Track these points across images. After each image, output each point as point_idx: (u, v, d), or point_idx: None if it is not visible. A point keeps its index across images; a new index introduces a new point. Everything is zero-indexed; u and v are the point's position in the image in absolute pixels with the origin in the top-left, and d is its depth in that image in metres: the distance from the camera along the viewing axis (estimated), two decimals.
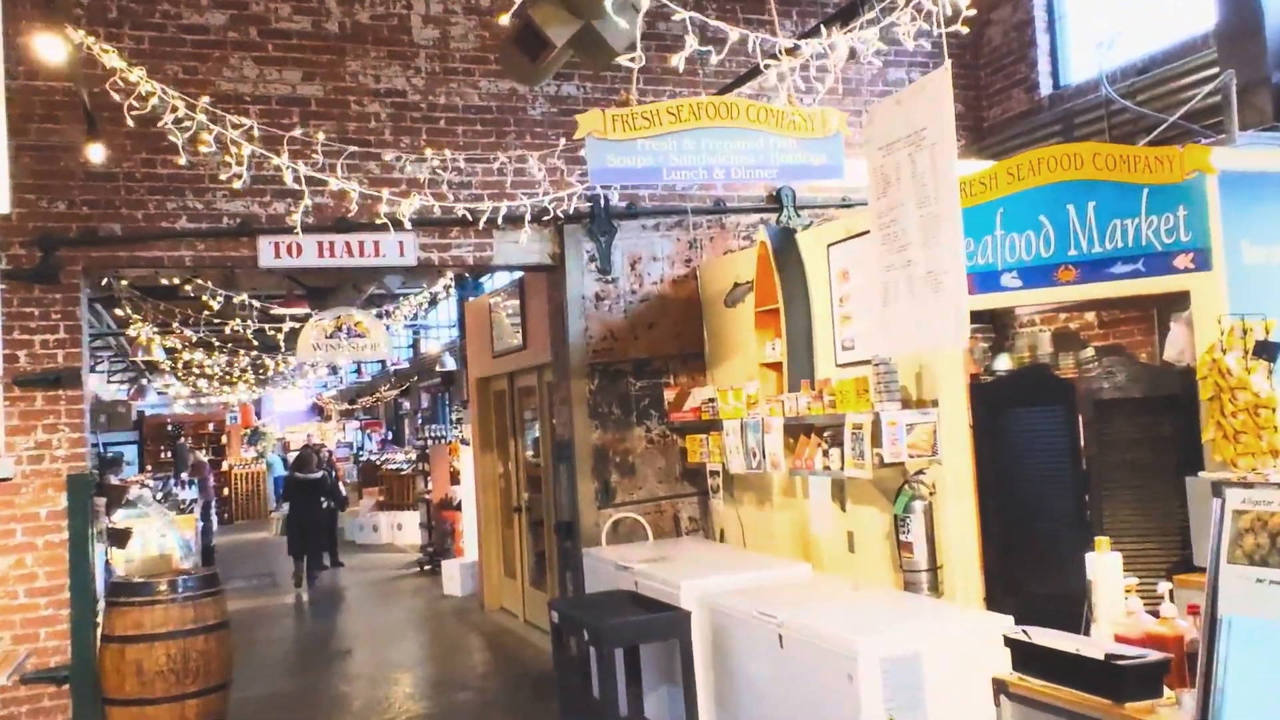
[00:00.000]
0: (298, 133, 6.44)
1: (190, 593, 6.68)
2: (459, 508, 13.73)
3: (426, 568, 14.25)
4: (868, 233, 5.81)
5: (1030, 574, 5.04)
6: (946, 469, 5.26)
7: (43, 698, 6.42)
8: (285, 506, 15.21)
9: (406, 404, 31.83)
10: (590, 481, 7.70)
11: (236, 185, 5.55)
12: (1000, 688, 3.36)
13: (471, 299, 12.33)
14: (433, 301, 18.60)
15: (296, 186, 6.85)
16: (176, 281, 8.19)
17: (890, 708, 4.17)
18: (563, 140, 7.77)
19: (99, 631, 6.62)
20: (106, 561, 9.01)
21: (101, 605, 6.73)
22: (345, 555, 16.38)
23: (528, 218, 6.15)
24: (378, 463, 20.66)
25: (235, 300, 9.57)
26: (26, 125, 6.57)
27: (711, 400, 7.23)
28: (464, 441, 15.06)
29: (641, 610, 5.64)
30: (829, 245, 6.29)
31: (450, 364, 24.14)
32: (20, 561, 6.42)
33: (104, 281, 10.83)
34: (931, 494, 5.33)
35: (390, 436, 31.45)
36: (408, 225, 5.90)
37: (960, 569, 5.18)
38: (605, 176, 4.62)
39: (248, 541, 20.05)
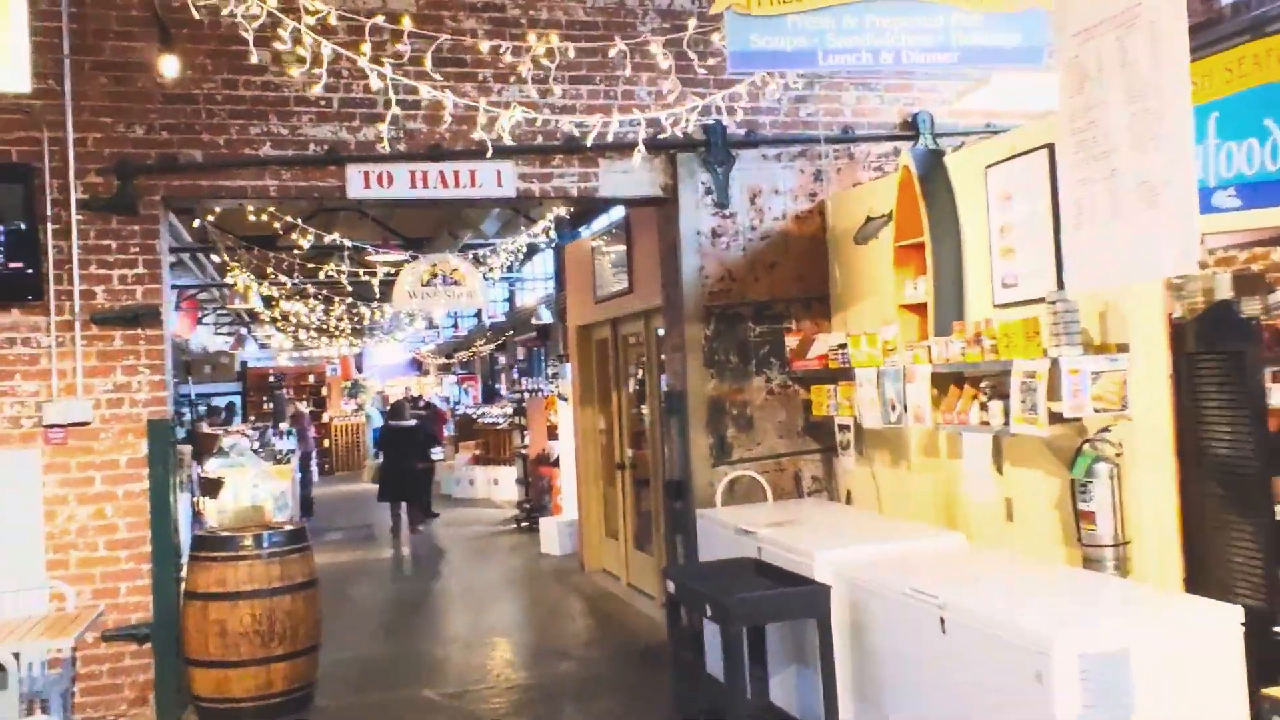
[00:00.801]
0: (389, 50, 5.83)
1: (277, 549, 6.23)
2: (557, 463, 13.21)
3: (523, 524, 13.81)
4: (1040, 149, 4.96)
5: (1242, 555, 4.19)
6: (1137, 426, 4.41)
7: (124, 656, 6.06)
8: (380, 455, 15.13)
9: (502, 358, 31.65)
10: (704, 436, 7.02)
11: (316, 89, 4.93)
12: (1273, 707, 2.57)
13: (583, 232, 11.71)
14: (529, 253, 18.10)
15: (383, 111, 6.29)
16: (265, 217, 7.71)
17: (1088, 714, 3.41)
18: (674, 59, 7.02)
19: (182, 588, 6.22)
20: (197, 512, 8.71)
21: (186, 560, 6.33)
22: (441, 509, 16.08)
23: (641, 140, 5.43)
24: (474, 417, 20.34)
25: (328, 239, 9.07)
26: (101, 42, 6.09)
27: (841, 347, 6.46)
28: (561, 396, 14.56)
29: (769, 582, 4.94)
30: (987, 168, 5.43)
31: (546, 317, 23.73)
32: (100, 512, 6.04)
33: (195, 223, 10.50)
34: (1118, 455, 4.50)
35: (485, 391, 31.35)
36: (507, 139, 5.25)
37: (1154, 546, 4.34)
38: (747, 61, 3.86)
39: (346, 493, 19.98)
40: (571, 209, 11.31)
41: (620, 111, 6.73)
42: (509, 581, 10.43)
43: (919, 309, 5.93)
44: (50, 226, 5.98)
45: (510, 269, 18.01)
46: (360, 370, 34.15)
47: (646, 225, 8.21)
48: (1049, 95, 4.17)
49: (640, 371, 9.16)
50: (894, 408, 5.76)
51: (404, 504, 14.11)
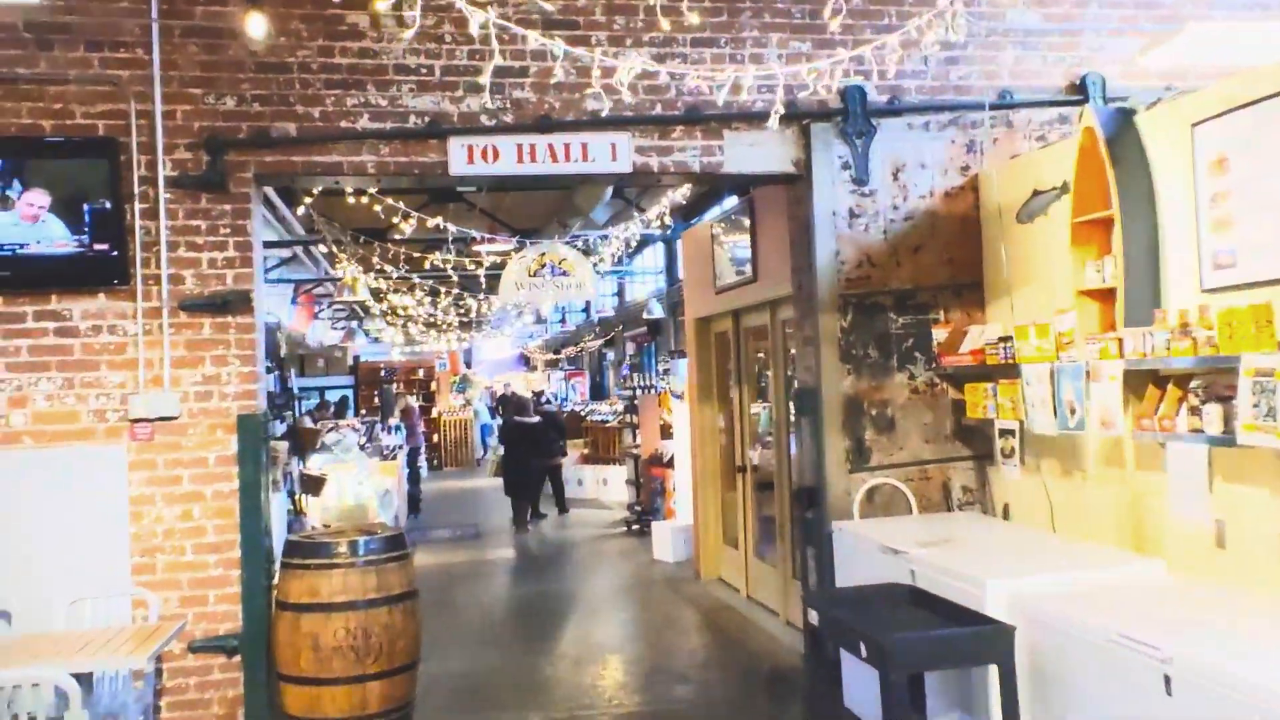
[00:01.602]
0: (494, 11, 5.24)
1: (373, 556, 5.71)
2: (670, 464, 12.56)
3: (634, 527, 13.21)
4: (1274, 98, 4.08)
5: None
6: None
7: (212, 669, 5.63)
8: (501, 450, 15.44)
9: (610, 354, 31.21)
10: (840, 439, 6.27)
11: (405, 35, 4.36)
12: None
13: (696, 223, 11.03)
14: (640, 245, 17.46)
15: (487, 79, 5.73)
16: (365, 200, 7.25)
17: None
18: (808, 17, 6.30)
19: (273, 596, 5.76)
20: (299, 510, 8.33)
21: (278, 566, 5.88)
22: (550, 508, 15.61)
23: (776, 107, 4.73)
24: (582, 414, 19.86)
25: (431, 223, 8.59)
26: (191, 6, 5.66)
27: (1003, 340, 5.64)
28: (675, 394, 13.91)
29: (931, 616, 4.19)
30: (1194, 125, 4.56)
31: (657, 311, 23.13)
32: (187, 513, 5.62)
33: (300, 210, 10.18)
34: None
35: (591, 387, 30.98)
36: (626, 95, 4.59)
37: None
38: None
39: (455, 489, 19.74)
40: (687, 196, 10.65)
41: (748, 77, 6.03)
42: (620, 589, 9.83)
43: (1103, 295, 5.08)
44: (137, 205, 5.58)
45: (619, 262, 17.47)
46: (469, 366, 34.18)
47: (773, 207, 7.49)
48: (1269, 44, 3.32)
49: (766, 366, 8.43)
50: (1072, 410, 4.93)
51: (527, 498, 14.26)
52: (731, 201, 15.28)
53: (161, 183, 5.59)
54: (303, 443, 8.79)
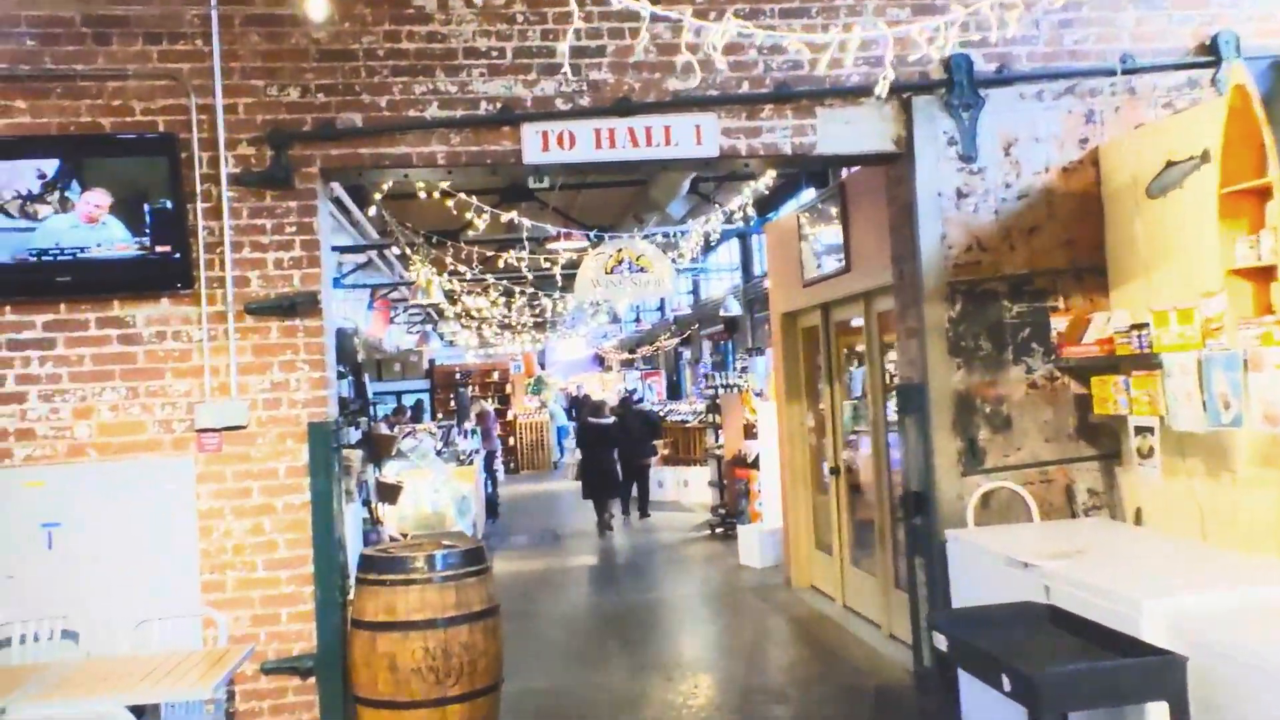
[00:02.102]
0: None
1: (452, 571, 5.36)
2: (755, 465, 12.08)
3: (718, 530, 12.76)
4: None
5: None
6: None
7: (286, 691, 5.34)
8: (579, 453, 15.22)
9: (686, 353, 30.78)
10: (950, 439, 5.76)
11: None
12: None
13: (773, 218, 10.56)
14: (713, 243, 16.95)
15: (562, 60, 5.35)
16: (436, 195, 6.94)
17: None
18: None
19: (348, 614, 5.46)
20: (376, 519, 8.06)
21: (353, 581, 5.57)
22: (632, 510, 15.25)
23: (887, 72, 4.23)
24: (661, 414, 19.44)
25: (505, 218, 8.24)
26: None
27: (1137, 327, 5.08)
28: (757, 392, 13.42)
29: (1076, 640, 3.68)
30: None
31: (734, 308, 22.66)
32: (258, 527, 5.34)
33: (371, 211, 9.94)
34: None
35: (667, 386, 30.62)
36: (719, 60, 4.17)
37: None
38: None
39: (533, 493, 19.49)
40: (770, 185, 10.18)
41: (842, 49, 5.55)
42: (707, 598, 9.40)
43: (1257, 275, 4.51)
44: (200, 205, 5.32)
45: (694, 259, 17.03)
46: (543, 367, 34.04)
47: (868, 191, 6.99)
48: None
49: (860, 361, 7.93)
50: (1226, 405, 4.36)
51: (608, 500, 14.04)
52: (808, 195, 14.79)
53: (224, 180, 5.32)
54: (378, 450, 8.54)
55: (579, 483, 14.94)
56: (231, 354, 5.33)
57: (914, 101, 5.80)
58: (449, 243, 10.93)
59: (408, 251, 12.65)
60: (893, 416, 7.18)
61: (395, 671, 5.20)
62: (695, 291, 28.71)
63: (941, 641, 3.89)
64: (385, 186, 6.48)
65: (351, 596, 5.53)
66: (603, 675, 6.92)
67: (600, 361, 38.88)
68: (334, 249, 15.30)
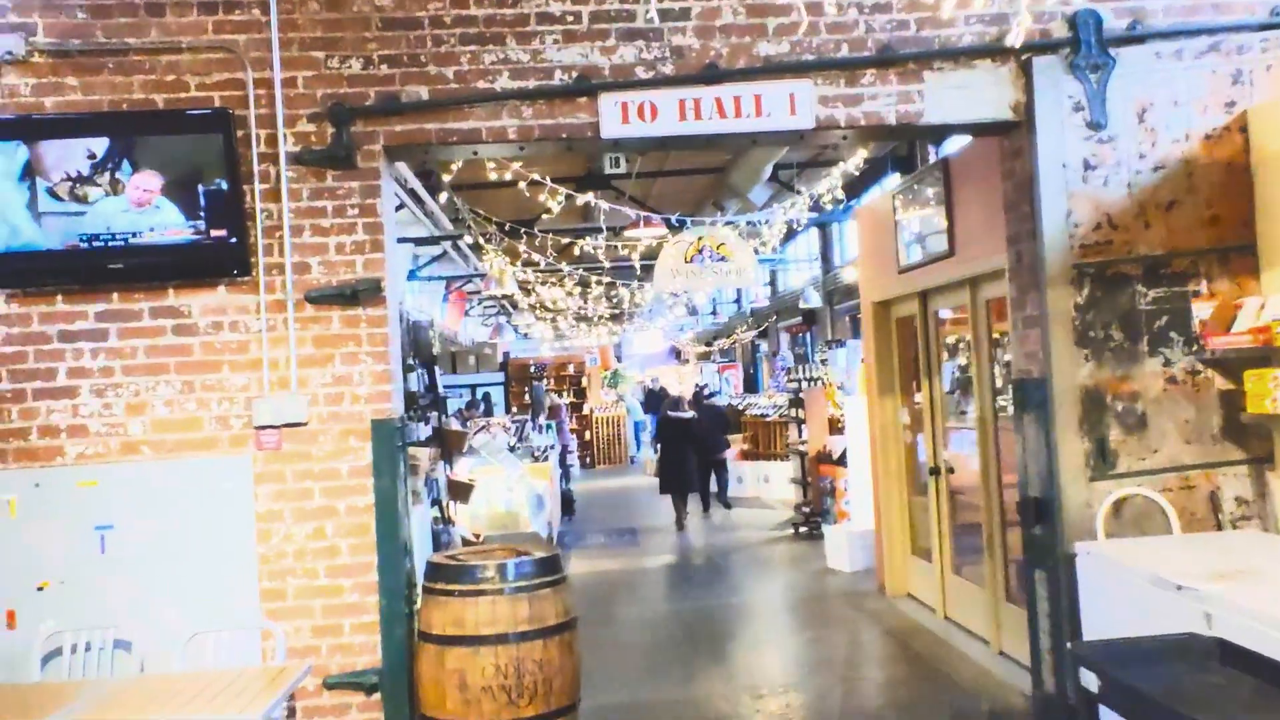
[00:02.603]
0: None
1: (524, 581, 4.94)
2: (840, 462, 11.50)
3: (801, 530, 12.20)
4: None
5: None
6: None
7: (350, 708, 4.97)
8: (657, 447, 14.94)
9: (764, 345, 30.13)
10: (1077, 440, 5.16)
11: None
12: None
13: (856, 205, 9.96)
14: (791, 232, 16.30)
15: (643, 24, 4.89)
16: (509, 176, 6.52)
17: None
18: None
19: (415, 625, 5.07)
20: (447, 520, 7.71)
21: (420, 590, 5.19)
22: (715, 506, 14.80)
23: (1022, 17, 3.66)
24: (740, 407, 18.90)
25: (580, 201, 7.79)
26: None
27: None
28: (841, 387, 12.82)
29: (1263, 683, 3.09)
30: None
31: (814, 300, 21.98)
32: (319, 531, 4.98)
33: (442, 198, 9.60)
34: None
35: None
36: (817, 20, 3.63)
37: None
38: None
39: (609, 489, 19.11)
40: (859, 166, 9.59)
41: (955, 5, 4.99)
42: (794, 604, 8.88)
43: None
44: (258, 186, 4.96)
45: (773, 249, 16.43)
46: (619, 360, 33.68)
47: (975, 168, 6.40)
48: None
49: (965, 353, 7.33)
50: None
51: (687, 496, 13.75)
52: (891, 181, 14.08)
53: (283, 159, 4.96)
54: (449, 446, 8.19)
55: (656, 478, 14.61)
56: (291, 346, 4.98)
57: (1034, 63, 5.20)
58: (523, 230, 10.54)
59: (481, 241, 12.31)
60: (1004, 412, 6.58)
61: (465, 690, 4.80)
62: (773, 283, 28.04)
63: (1091, 680, 3.33)
64: (455, 167, 6.06)
65: (418, 606, 5.15)
66: (686, 690, 6.45)
67: (676, 354, 38.41)
68: (408, 240, 15.11)
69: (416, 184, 11.86)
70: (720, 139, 5.45)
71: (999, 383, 6.69)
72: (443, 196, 9.29)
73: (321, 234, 5.02)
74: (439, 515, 7.76)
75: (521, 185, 6.87)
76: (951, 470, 7.58)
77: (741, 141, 5.81)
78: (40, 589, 4.85)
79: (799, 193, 13.17)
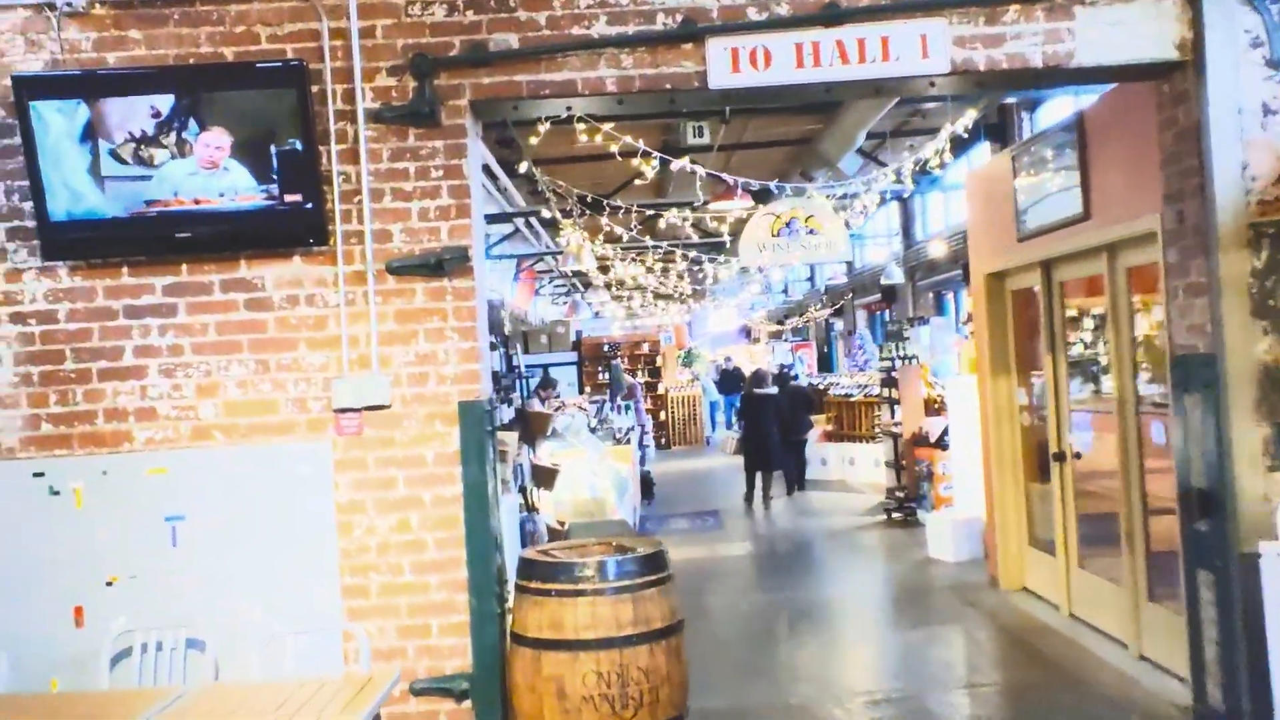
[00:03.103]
0: None
1: (627, 580, 4.48)
2: (939, 445, 10.88)
3: (894, 515, 11.59)
4: None
5: None
6: None
7: (438, 715, 4.58)
8: (740, 426, 14.83)
9: (839, 324, 29.33)
10: (1253, 424, 4.54)
11: None
12: None
13: (976, 167, 9.25)
14: (887, 197, 15.56)
15: None
16: (600, 138, 6.02)
17: None
18: None
19: (507, 626, 4.64)
20: (531, 508, 7.29)
21: (512, 587, 4.76)
22: (781, 486, 14.29)
23: None
24: (821, 386, 18.24)
25: (674, 168, 7.24)
26: None
27: None
28: (934, 374, 12.15)
29: None
30: None
31: (896, 276, 21.17)
32: (404, 523, 4.57)
33: (522, 168, 9.13)
34: None
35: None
36: None
37: None
38: None
39: (687, 470, 18.62)
40: (968, 129, 8.87)
41: None
42: (898, 597, 8.32)
43: None
44: (334, 146, 4.54)
45: (863, 218, 15.70)
46: (692, 338, 33.10)
47: (1117, 120, 5.75)
48: None
49: (1092, 328, 6.67)
50: None
51: (770, 474, 13.48)
52: (982, 151, 13.29)
53: (361, 116, 4.53)
54: (534, 429, 7.77)
55: (740, 457, 14.37)
56: (372, 321, 4.56)
57: None
58: (606, 203, 10.05)
59: (558, 216, 11.85)
60: (1146, 392, 5.93)
61: (563, 699, 4.36)
62: (848, 261, 27.20)
63: None
64: (543, 129, 5.58)
65: (510, 605, 4.72)
66: (790, 695, 5.95)
67: (747, 334, 37.69)
68: (492, 219, 14.70)
69: (490, 159, 11.45)
70: (841, 87, 4.88)
71: (1140, 359, 6.04)
72: (523, 167, 8.82)
73: (403, 198, 4.58)
74: (523, 503, 7.35)
75: (613, 148, 6.34)
76: (1078, 455, 6.94)
77: (864, 90, 5.22)
78: (109, 584, 4.52)
79: (883, 164, 12.48)
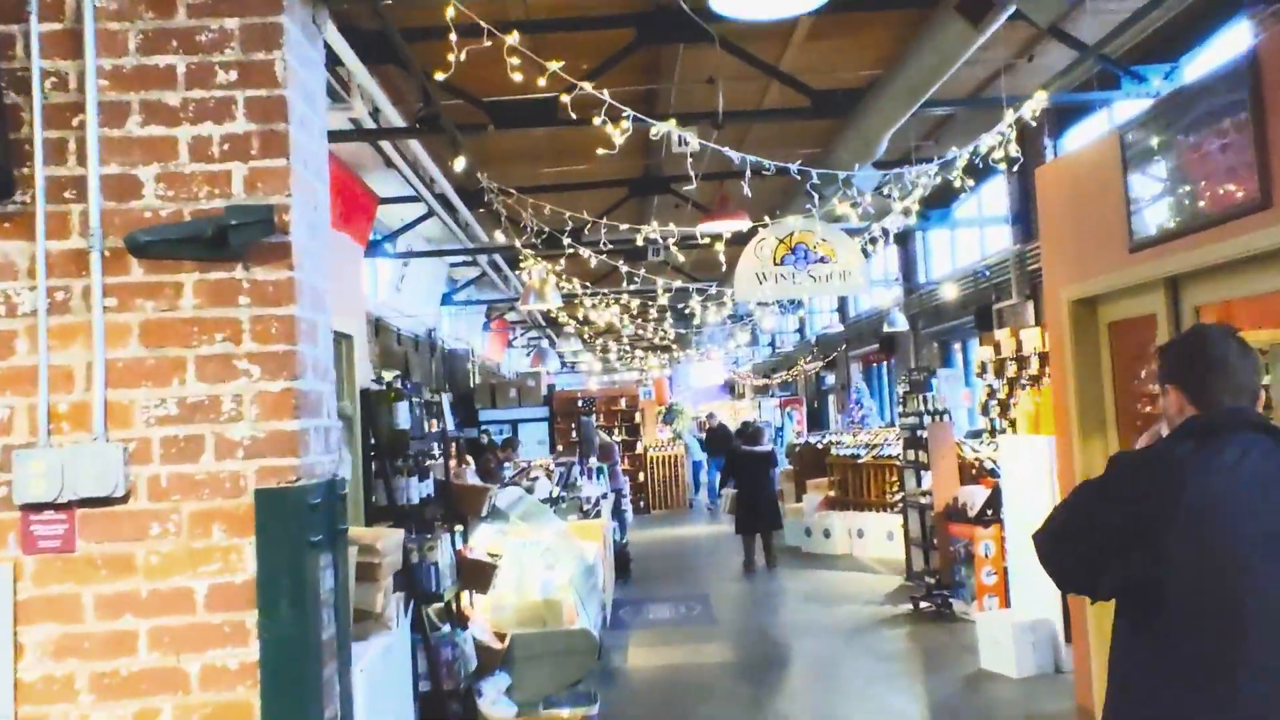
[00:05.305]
0: None
1: None
2: (980, 520, 8.84)
3: (923, 606, 9.47)
4: None
5: None
6: None
7: None
8: (731, 486, 13.71)
9: (830, 377, 27.37)
10: None
11: None
12: None
13: (1055, 159, 7.32)
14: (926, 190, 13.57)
15: None
16: (544, 79, 3.98)
17: None
18: None
19: None
20: (458, 618, 5.17)
21: None
22: (789, 568, 12.27)
23: None
24: (819, 446, 16.19)
25: (654, 134, 5.10)
26: None
27: None
28: (995, 425, 10.17)
29: None
30: None
31: (900, 323, 19.22)
32: None
33: (459, 164, 7.10)
34: None
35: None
36: None
37: None
38: None
39: (669, 539, 16.45)
40: (1037, 117, 6.95)
41: None
42: None
43: None
44: (36, 25, 2.47)
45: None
46: (672, 393, 31.14)
47: None
48: None
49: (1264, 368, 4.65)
50: None
51: (770, 536, 12.62)
52: (996, 183, 11.44)
53: None
54: (462, 508, 5.68)
55: (732, 516, 13.34)
56: (97, 341, 2.49)
57: None
58: (567, 213, 8.09)
59: (516, 244, 9.86)
60: None
61: None
62: (842, 307, 25.33)
63: None
64: (451, 42, 3.56)
65: None
66: None
67: (730, 389, 35.72)
68: (445, 253, 12.65)
69: (447, 188, 9.49)
70: None
71: None
72: (459, 164, 6.79)
73: (164, 121, 2.53)
74: (441, 608, 5.22)
75: (565, 99, 4.29)
76: None
77: None
78: None
79: (887, 196, 10.62)
